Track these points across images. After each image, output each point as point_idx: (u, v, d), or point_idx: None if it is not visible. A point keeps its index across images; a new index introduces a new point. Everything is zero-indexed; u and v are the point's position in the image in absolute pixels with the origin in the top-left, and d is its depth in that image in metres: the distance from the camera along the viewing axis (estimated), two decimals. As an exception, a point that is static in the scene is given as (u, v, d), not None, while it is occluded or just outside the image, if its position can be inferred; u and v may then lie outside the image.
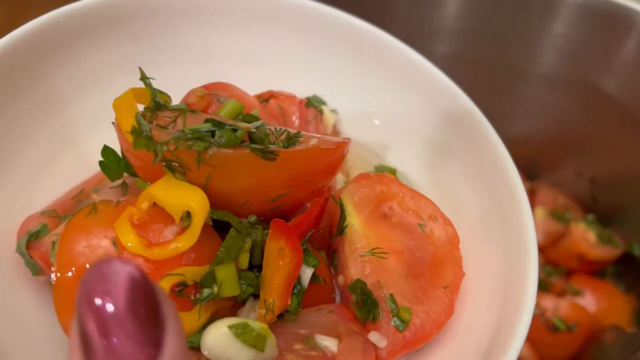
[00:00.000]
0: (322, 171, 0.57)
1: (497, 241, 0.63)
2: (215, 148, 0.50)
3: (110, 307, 0.31)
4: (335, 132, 0.79)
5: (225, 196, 0.53)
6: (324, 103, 0.78)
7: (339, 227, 0.63)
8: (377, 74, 0.77)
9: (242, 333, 0.49)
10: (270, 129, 0.57)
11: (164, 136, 0.50)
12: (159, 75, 0.60)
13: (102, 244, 0.49)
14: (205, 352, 0.49)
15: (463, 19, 0.85)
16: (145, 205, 0.51)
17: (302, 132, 0.59)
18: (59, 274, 0.48)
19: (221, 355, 0.49)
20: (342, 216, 0.63)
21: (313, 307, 0.59)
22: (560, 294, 1.02)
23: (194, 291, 0.51)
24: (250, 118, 0.61)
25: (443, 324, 0.58)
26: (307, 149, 0.54)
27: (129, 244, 0.49)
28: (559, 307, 0.93)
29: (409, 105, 0.76)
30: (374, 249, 0.61)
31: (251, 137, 0.55)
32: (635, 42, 0.67)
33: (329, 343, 0.55)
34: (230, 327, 0.49)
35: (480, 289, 0.61)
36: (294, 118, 0.74)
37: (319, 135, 0.59)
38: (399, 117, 0.77)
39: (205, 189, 0.51)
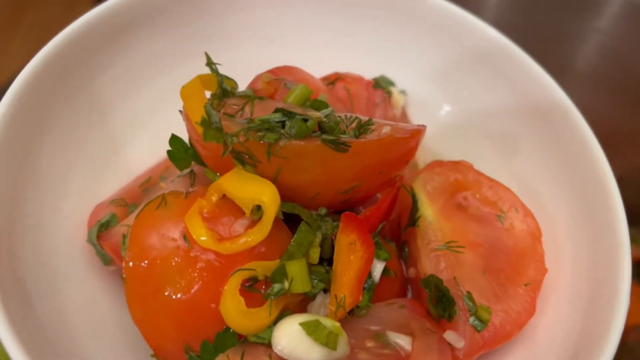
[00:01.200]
0: (396, 161, 0.54)
1: (583, 236, 0.58)
2: (286, 140, 0.48)
3: None
4: (404, 115, 0.75)
5: (295, 189, 0.50)
6: (392, 84, 0.75)
7: (411, 218, 0.60)
8: (455, 57, 0.72)
9: (314, 331, 0.48)
10: (340, 117, 0.55)
11: (234, 127, 0.49)
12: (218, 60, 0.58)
13: (173, 237, 0.48)
14: (277, 349, 0.48)
15: (503, 16, 0.83)
16: (215, 197, 0.50)
17: (374, 120, 0.56)
18: (130, 266, 0.48)
19: (292, 353, 0.47)
20: (415, 207, 0.60)
21: (383, 302, 0.57)
22: None
23: (264, 286, 0.49)
24: (318, 104, 0.59)
25: (524, 324, 0.54)
26: (381, 139, 0.51)
27: (202, 238, 0.47)
28: None
29: (490, 92, 0.70)
30: (449, 242, 0.58)
31: (321, 127, 0.52)
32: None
33: (402, 341, 0.53)
34: (302, 324, 0.48)
35: (563, 286, 0.57)
36: (361, 101, 0.71)
37: (390, 123, 0.55)
38: (475, 104, 0.72)
39: (275, 181, 0.50)
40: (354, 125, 0.54)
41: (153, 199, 0.50)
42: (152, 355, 0.50)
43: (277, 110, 0.50)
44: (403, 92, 0.75)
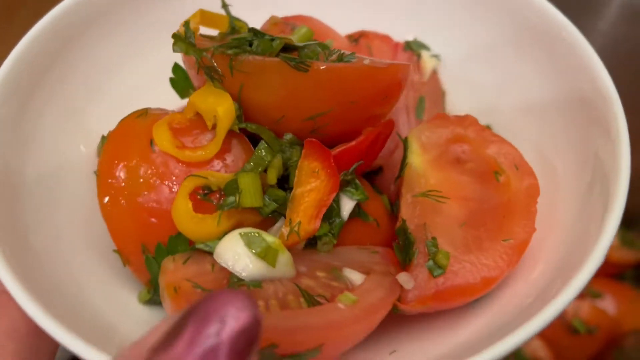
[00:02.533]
0: (372, 94, 0.52)
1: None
2: (248, 55, 0.49)
3: (208, 343, 0.31)
4: (435, 79, 0.72)
5: (260, 109, 0.52)
6: (426, 48, 0.73)
7: (401, 167, 0.58)
8: (499, 31, 0.66)
9: (252, 242, 0.48)
10: (321, 49, 0.55)
11: (206, 44, 0.52)
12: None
13: (144, 143, 0.52)
14: (218, 259, 0.49)
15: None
16: (190, 113, 0.53)
17: (359, 55, 0.55)
18: (103, 164, 0.53)
19: (232, 263, 0.48)
20: (405, 155, 0.58)
21: (357, 245, 0.55)
22: (581, 296, 0.91)
23: (218, 197, 0.51)
24: (320, 46, 0.60)
25: (493, 281, 0.49)
26: (347, 65, 0.50)
27: (163, 143, 0.51)
28: (579, 309, 0.91)
29: (531, 73, 0.64)
30: (430, 190, 0.55)
31: (300, 55, 0.53)
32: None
33: (355, 277, 0.51)
34: (242, 234, 0.48)
35: (552, 247, 0.51)
36: (384, 59, 0.70)
37: (377, 60, 0.54)
38: (514, 83, 0.66)
39: (240, 99, 0.51)
40: (334, 57, 0.54)
41: (136, 111, 0.55)
42: (114, 250, 0.54)
43: (249, 30, 0.52)
44: (436, 56, 0.72)
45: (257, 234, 0.48)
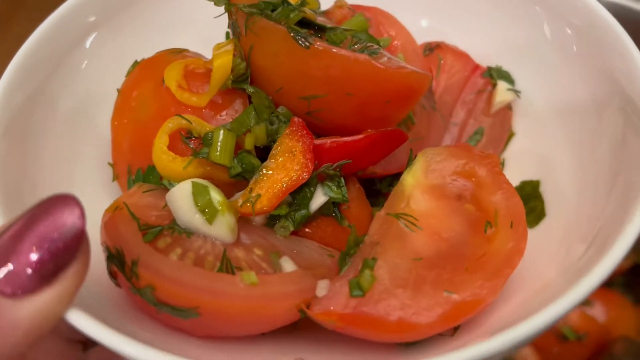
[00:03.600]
0: (371, 93, 0.49)
1: None
2: (262, 17, 0.49)
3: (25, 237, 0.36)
4: (505, 116, 0.65)
5: (264, 75, 0.52)
6: (507, 80, 0.65)
7: (395, 180, 0.54)
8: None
9: (197, 193, 0.49)
10: (352, 38, 0.53)
11: (242, 2, 0.53)
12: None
13: (160, 76, 0.55)
14: (167, 199, 0.50)
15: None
16: (210, 63, 0.55)
17: (385, 52, 0.52)
18: (124, 87, 0.57)
19: (175, 207, 0.49)
20: (405, 170, 0.53)
21: (320, 243, 0.53)
22: None
23: (197, 145, 0.52)
24: (368, 38, 0.57)
25: (411, 328, 0.43)
26: (350, 55, 0.47)
27: (169, 80, 0.53)
28: (569, 317, 0.87)
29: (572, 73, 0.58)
30: (406, 214, 0.50)
31: (327, 39, 0.52)
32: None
33: (288, 267, 0.49)
34: (194, 183, 0.49)
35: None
36: (453, 78, 0.65)
37: (398, 61, 0.51)
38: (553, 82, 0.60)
39: (249, 60, 0.52)
40: (357, 47, 0.52)
41: (176, 48, 0.59)
42: (109, 163, 0.58)
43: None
44: (515, 91, 0.64)
45: (206, 188, 0.49)
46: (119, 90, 0.58)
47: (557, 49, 0.59)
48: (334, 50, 0.48)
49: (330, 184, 0.52)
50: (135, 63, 0.59)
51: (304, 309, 0.45)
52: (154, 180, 0.54)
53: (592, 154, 0.54)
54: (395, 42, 0.63)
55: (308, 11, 0.51)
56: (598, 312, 0.91)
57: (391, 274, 0.45)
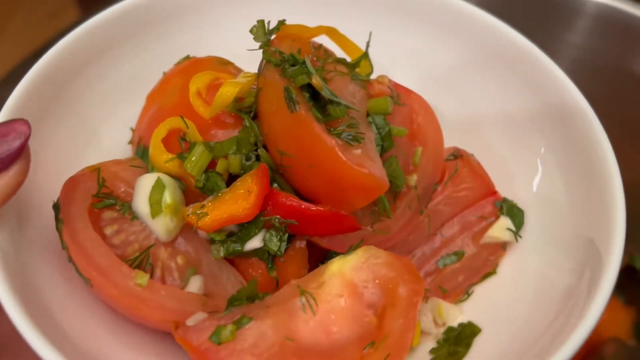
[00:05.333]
0: (328, 175, 0.51)
1: None
2: (272, 67, 0.53)
3: None
4: (496, 251, 0.62)
5: (261, 116, 0.55)
6: (517, 220, 0.63)
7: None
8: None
9: (155, 188, 0.55)
10: (352, 119, 0.55)
11: (281, 46, 0.56)
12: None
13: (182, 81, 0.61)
14: (135, 184, 0.56)
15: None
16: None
17: (369, 144, 0.53)
18: (162, 80, 0.65)
19: (136, 190, 0.56)
20: (340, 255, 0.54)
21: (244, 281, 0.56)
22: None
23: (186, 149, 0.58)
24: (383, 124, 0.59)
25: None
26: (320, 134, 0.50)
27: (191, 86, 0.59)
28: None
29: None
30: (310, 295, 0.51)
31: (328, 106, 0.55)
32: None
33: (192, 286, 0.54)
34: (160, 178, 0.55)
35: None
36: (459, 191, 0.63)
37: (368, 166, 0.51)
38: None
39: (257, 98, 0.56)
40: (345, 129, 0.54)
41: (225, 59, 0.65)
42: (131, 128, 0.67)
43: (303, 56, 0.55)
44: (514, 233, 0.61)
45: (162, 187, 0.55)
46: (164, 73, 0.66)
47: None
48: (311, 123, 0.50)
49: (273, 234, 0.55)
50: (187, 57, 0.66)
51: (172, 329, 0.49)
52: (146, 160, 0.61)
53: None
54: (421, 135, 0.63)
55: (317, 80, 0.53)
56: None
57: (255, 340, 0.48)
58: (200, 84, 0.60)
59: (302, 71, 0.53)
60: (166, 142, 0.58)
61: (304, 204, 0.54)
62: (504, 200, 0.63)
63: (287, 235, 0.56)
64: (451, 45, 0.70)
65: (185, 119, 0.58)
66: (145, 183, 0.56)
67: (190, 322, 0.49)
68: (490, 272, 0.62)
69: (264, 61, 0.56)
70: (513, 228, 0.62)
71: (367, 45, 0.64)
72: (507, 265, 0.62)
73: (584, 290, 0.54)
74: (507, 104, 0.67)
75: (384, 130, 0.58)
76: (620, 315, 0.91)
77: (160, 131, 0.58)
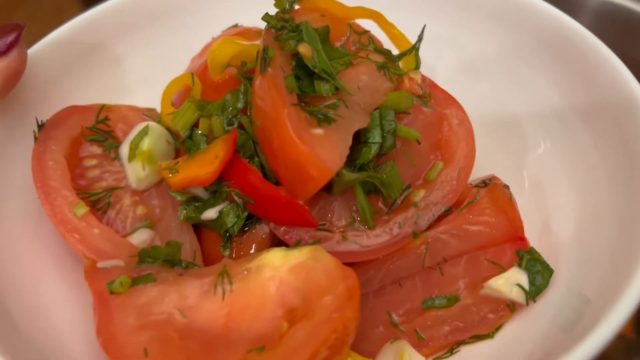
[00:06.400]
0: (277, 148, 0.45)
1: None
2: (269, 29, 0.49)
3: None
4: (497, 306, 0.48)
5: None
6: (533, 277, 0.48)
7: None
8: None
9: (140, 133, 0.54)
10: (338, 100, 0.48)
11: (303, 16, 0.52)
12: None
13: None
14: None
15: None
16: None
17: (339, 126, 0.46)
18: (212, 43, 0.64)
19: (131, 133, 0.56)
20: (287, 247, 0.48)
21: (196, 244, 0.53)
22: None
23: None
24: (389, 120, 0.51)
25: None
26: (278, 103, 0.44)
27: (213, 52, 0.57)
28: None
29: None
30: (228, 276, 0.45)
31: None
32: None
33: (137, 237, 0.52)
34: (148, 125, 0.55)
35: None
36: (474, 223, 0.51)
37: (325, 150, 0.44)
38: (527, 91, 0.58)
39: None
40: (322, 105, 0.47)
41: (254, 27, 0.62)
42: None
43: (305, 25, 0.49)
44: (525, 293, 0.47)
45: (145, 134, 0.54)
46: (212, 38, 0.66)
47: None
48: (274, 88, 0.45)
49: (233, 209, 0.51)
50: (235, 25, 0.65)
51: (85, 266, 0.47)
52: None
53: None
54: (449, 148, 0.53)
55: (304, 49, 0.48)
56: None
57: (146, 302, 0.44)
58: (221, 51, 0.57)
59: (292, 37, 0.48)
60: (182, 98, 0.58)
61: (261, 181, 0.49)
62: (530, 250, 0.49)
63: (245, 214, 0.51)
64: (495, 32, 0.62)
65: (194, 77, 0.57)
66: (138, 128, 0.56)
67: (101, 264, 0.47)
68: (485, 335, 0.49)
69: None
70: (526, 287, 0.47)
71: (419, 39, 0.56)
72: (509, 331, 0.48)
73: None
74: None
75: (389, 127, 0.50)
76: None
77: (172, 86, 0.58)
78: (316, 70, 0.48)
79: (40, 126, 0.55)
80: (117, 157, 0.55)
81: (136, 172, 0.54)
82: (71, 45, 0.63)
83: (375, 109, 0.51)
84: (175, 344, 0.42)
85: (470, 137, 0.53)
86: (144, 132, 0.54)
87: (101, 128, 0.57)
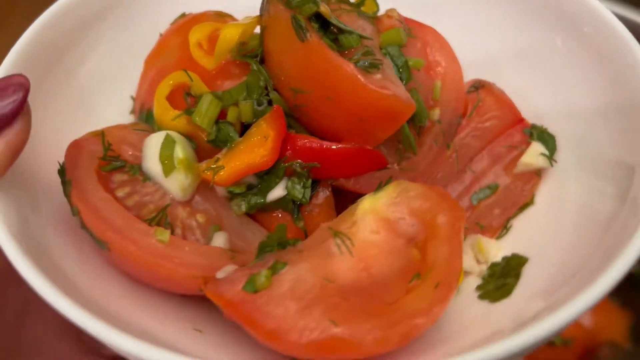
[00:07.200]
0: (350, 104, 0.48)
1: None
2: (275, 2, 0.50)
3: None
4: (531, 179, 0.58)
5: (269, 57, 0.52)
6: (550, 145, 0.59)
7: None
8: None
9: (165, 145, 0.51)
10: (366, 47, 0.51)
11: None
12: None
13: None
14: (143, 145, 0.53)
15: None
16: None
17: (388, 70, 0.50)
18: (163, 35, 0.61)
19: (144, 151, 0.52)
20: (374, 191, 0.51)
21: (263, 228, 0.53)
22: None
23: (193, 104, 0.54)
24: (397, 54, 0.56)
25: (288, 345, 0.42)
26: (336, 60, 0.46)
27: (191, 38, 0.55)
28: None
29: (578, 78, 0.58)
30: (344, 235, 0.47)
31: (339, 40, 0.52)
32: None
33: (217, 242, 0.50)
34: (167, 134, 0.52)
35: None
36: (485, 121, 0.60)
37: (392, 78, 0.48)
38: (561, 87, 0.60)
39: (262, 39, 0.53)
40: (363, 57, 0.50)
41: (222, 12, 0.61)
42: (131, 97, 0.63)
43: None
44: (549, 158, 0.58)
45: (173, 143, 0.51)
46: (160, 34, 0.62)
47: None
48: (324, 49, 0.47)
49: (296, 181, 0.51)
50: (183, 14, 0.63)
51: (201, 284, 0.45)
52: (151, 123, 0.58)
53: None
54: (439, 68, 0.60)
55: (325, 8, 0.50)
56: (584, 316, 0.87)
57: (292, 285, 0.44)
58: (200, 35, 0.56)
59: (308, 1, 0.50)
60: (171, 100, 0.55)
61: (326, 143, 0.50)
62: (533, 126, 0.60)
63: (310, 180, 0.52)
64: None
65: (188, 72, 0.54)
66: (154, 142, 0.52)
67: (220, 274, 0.45)
68: (528, 203, 0.59)
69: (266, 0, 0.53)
70: (547, 153, 0.58)
71: None
72: (544, 194, 0.59)
73: (628, 213, 0.50)
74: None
75: (400, 61, 0.55)
76: (616, 318, 0.91)
77: (164, 88, 0.55)
78: (340, 26, 0.50)
79: (62, 171, 0.48)
80: (147, 177, 0.51)
81: (180, 183, 0.51)
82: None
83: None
84: (344, 306, 0.43)
85: (451, 53, 0.60)
86: (170, 142, 0.51)
87: (111, 155, 0.52)
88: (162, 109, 0.54)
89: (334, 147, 0.50)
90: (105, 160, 0.51)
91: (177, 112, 0.54)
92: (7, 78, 0.44)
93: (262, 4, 0.54)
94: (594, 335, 0.89)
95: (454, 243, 0.46)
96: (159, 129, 0.55)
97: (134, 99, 0.63)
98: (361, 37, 0.51)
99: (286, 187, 0.52)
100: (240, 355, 0.47)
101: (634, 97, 0.52)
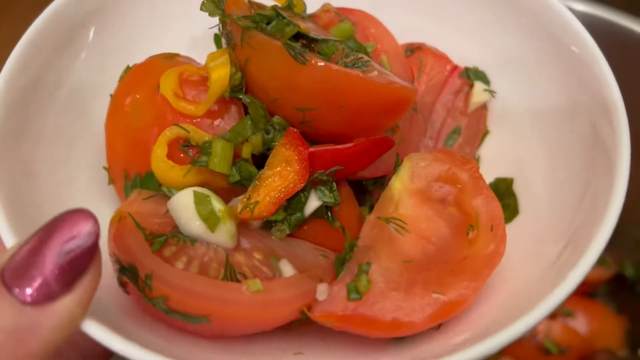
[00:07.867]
0: (363, 105, 0.52)
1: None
2: (258, 32, 0.51)
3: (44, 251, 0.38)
4: (480, 115, 0.69)
5: (259, 86, 0.54)
6: (483, 80, 0.69)
7: (383, 185, 0.57)
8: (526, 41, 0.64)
9: (199, 202, 0.51)
10: (343, 49, 0.55)
11: (235, 11, 0.54)
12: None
13: (155, 82, 0.56)
14: (169, 207, 0.52)
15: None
16: (204, 70, 0.56)
17: (374, 64, 0.55)
18: (118, 91, 0.58)
19: (177, 214, 0.51)
20: (392, 175, 0.57)
21: (313, 245, 0.56)
22: (552, 315, 0.96)
23: (195, 153, 0.54)
24: (356, 45, 0.60)
25: (403, 326, 0.47)
26: (343, 71, 0.50)
27: (164, 88, 0.55)
28: (551, 329, 0.92)
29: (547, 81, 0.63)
30: (395, 219, 0.53)
31: (319, 51, 0.54)
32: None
33: (287, 270, 0.52)
34: (195, 192, 0.51)
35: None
36: (433, 79, 0.68)
37: (386, 72, 0.54)
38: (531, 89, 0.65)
39: (244, 72, 0.54)
40: (349, 60, 0.54)
41: (168, 53, 0.60)
42: (104, 167, 0.60)
43: (273, 9, 0.53)
44: (490, 92, 0.68)
45: (207, 197, 0.51)
46: (111, 96, 0.59)
47: (535, 56, 0.63)
48: (329, 66, 0.50)
49: (323, 188, 0.55)
50: (127, 68, 0.59)
51: (305, 312, 0.48)
52: (153, 186, 0.56)
53: (564, 158, 0.58)
54: (379, 44, 0.65)
55: (302, 25, 0.53)
56: (580, 323, 0.94)
57: (385, 277, 0.49)
58: (172, 84, 0.55)
59: (285, 23, 0.52)
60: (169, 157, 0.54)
61: (342, 146, 0.54)
62: (466, 69, 0.69)
63: (334, 184, 0.56)
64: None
65: (180, 124, 0.53)
66: (183, 203, 0.51)
67: (320, 296, 0.49)
68: (485, 133, 0.69)
69: (233, 32, 0.53)
70: (487, 87, 0.68)
71: None
72: (495, 121, 0.69)
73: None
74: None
75: (362, 51, 0.60)
76: (612, 325, 0.95)
77: (160, 148, 0.53)
78: (317, 37, 0.53)
79: (123, 270, 0.46)
80: (194, 240, 0.51)
81: (229, 233, 0.51)
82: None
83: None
84: (432, 276, 0.50)
85: (384, 28, 0.66)
86: (202, 198, 0.51)
87: (152, 233, 0.50)
88: (166, 169, 0.53)
89: (351, 146, 0.54)
90: (149, 240, 0.49)
91: (182, 167, 0.53)
92: (68, 219, 0.39)
93: (229, 37, 0.54)
94: (590, 343, 0.92)
95: (482, 189, 0.54)
96: (168, 189, 0.54)
97: (106, 169, 0.60)
98: (336, 41, 0.55)
99: (319, 197, 0.55)
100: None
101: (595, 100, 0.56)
